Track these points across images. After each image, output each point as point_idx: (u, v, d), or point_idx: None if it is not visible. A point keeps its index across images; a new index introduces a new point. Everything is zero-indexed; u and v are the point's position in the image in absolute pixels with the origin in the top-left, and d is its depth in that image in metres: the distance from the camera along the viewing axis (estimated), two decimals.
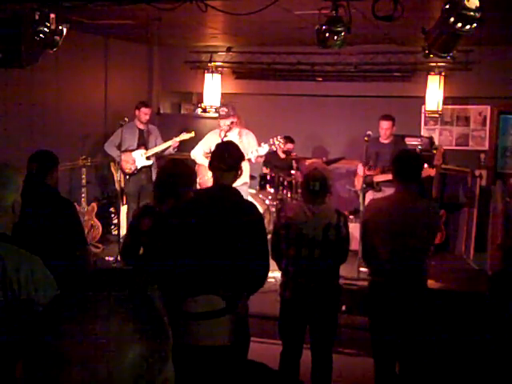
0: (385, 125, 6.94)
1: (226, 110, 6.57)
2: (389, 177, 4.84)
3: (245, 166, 6.52)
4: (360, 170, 6.99)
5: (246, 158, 6.40)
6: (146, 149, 7.45)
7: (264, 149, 6.47)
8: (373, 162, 6.85)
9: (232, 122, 6.53)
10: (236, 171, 3.45)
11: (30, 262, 2.25)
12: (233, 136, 6.52)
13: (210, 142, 6.45)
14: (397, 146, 6.58)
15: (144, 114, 7.42)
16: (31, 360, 0.83)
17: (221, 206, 3.31)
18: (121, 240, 6.90)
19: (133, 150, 7.40)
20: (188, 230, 3.30)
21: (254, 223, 3.34)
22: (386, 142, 6.97)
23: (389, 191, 4.87)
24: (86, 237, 4.08)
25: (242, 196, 3.50)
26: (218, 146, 3.69)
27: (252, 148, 6.46)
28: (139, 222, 3.75)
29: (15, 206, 2.37)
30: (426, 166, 6.59)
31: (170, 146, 7.41)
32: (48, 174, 3.96)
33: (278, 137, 6.64)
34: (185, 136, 7.39)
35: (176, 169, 3.87)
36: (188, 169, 4.02)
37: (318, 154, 8.47)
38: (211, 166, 3.47)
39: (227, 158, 3.41)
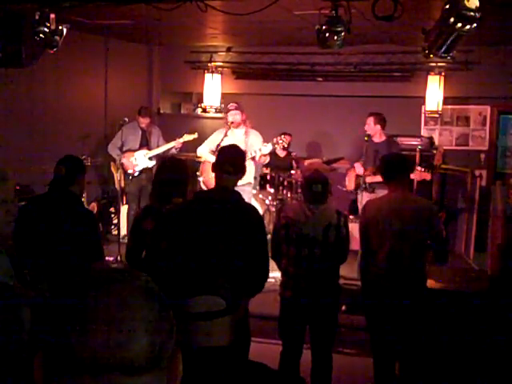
0: (366, 121, 6.74)
1: (236, 104, 6.58)
2: (379, 178, 4.79)
3: (249, 165, 6.53)
4: (360, 170, 6.94)
5: (250, 156, 6.40)
6: (149, 149, 7.46)
7: (267, 148, 6.47)
8: (371, 162, 6.77)
9: (241, 118, 6.51)
10: (240, 176, 3.49)
11: None
12: (239, 134, 6.51)
13: (216, 141, 6.46)
14: (390, 147, 6.48)
15: (140, 122, 7.52)
16: (57, 322, 0.92)
17: (221, 207, 3.32)
18: (121, 240, 6.90)
19: (135, 151, 7.41)
20: (189, 230, 3.30)
21: (254, 226, 3.35)
22: (378, 140, 6.74)
23: (381, 192, 4.87)
24: (103, 250, 3.96)
25: (243, 198, 3.49)
26: (225, 149, 3.68)
27: (256, 147, 6.45)
28: (142, 224, 3.72)
29: None
30: (420, 168, 6.45)
31: (172, 147, 7.43)
32: (75, 180, 3.77)
33: (282, 136, 6.64)
34: (188, 137, 7.41)
35: (181, 167, 3.92)
36: (187, 167, 4.07)
37: (317, 153, 8.46)
38: (217, 168, 3.43)
39: (235, 162, 3.42)
